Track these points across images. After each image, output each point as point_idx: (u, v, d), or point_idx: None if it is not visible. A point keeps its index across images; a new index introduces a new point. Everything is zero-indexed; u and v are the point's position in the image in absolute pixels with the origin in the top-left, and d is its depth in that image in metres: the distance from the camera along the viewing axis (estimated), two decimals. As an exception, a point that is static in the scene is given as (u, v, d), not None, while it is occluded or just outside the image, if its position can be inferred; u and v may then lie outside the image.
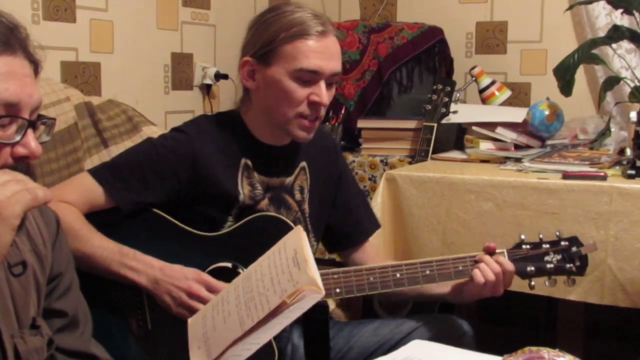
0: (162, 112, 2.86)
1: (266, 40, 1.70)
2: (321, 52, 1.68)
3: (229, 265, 1.68)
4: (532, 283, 1.73)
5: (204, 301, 1.59)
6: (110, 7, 2.58)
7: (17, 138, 1.10)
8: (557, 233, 1.75)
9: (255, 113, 1.78)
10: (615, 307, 2.10)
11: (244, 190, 1.76)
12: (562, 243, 1.73)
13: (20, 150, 1.11)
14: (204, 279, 1.62)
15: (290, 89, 1.69)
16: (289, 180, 1.83)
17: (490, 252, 1.72)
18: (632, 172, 2.18)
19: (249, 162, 1.77)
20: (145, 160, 1.72)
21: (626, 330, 2.93)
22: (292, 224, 1.70)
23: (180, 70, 2.94)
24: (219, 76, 3.03)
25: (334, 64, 1.71)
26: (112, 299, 1.67)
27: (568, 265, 1.72)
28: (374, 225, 2.01)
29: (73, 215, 1.64)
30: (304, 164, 1.87)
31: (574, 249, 1.72)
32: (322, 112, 1.74)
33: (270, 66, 1.70)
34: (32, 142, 1.12)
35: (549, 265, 1.72)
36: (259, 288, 1.20)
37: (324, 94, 1.70)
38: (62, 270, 1.33)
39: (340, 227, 1.93)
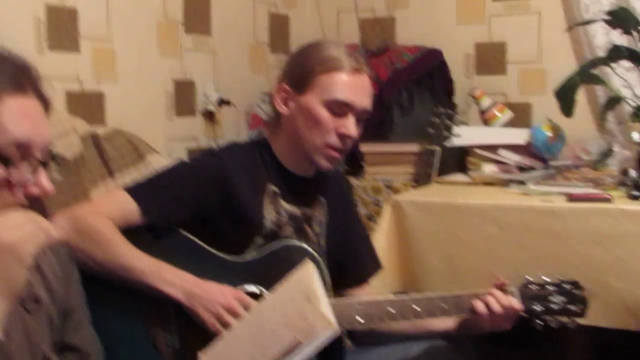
0: (166, 139, 2.86)
1: (303, 70, 1.77)
2: (354, 87, 1.75)
3: (256, 290, 1.71)
4: (541, 322, 1.76)
5: (239, 317, 1.61)
6: (113, 36, 2.59)
7: (30, 177, 1.11)
8: (559, 277, 1.78)
9: (283, 141, 1.83)
10: (624, 332, 2.09)
11: (269, 216, 1.79)
12: (565, 285, 1.77)
13: (33, 189, 1.12)
14: (241, 296, 1.64)
15: (322, 117, 1.74)
16: (309, 212, 1.87)
17: (501, 287, 1.75)
18: (637, 193, 2.20)
19: (276, 189, 1.81)
20: (179, 180, 1.76)
21: (636, 352, 2.92)
22: (316, 254, 1.74)
23: (183, 97, 2.95)
24: (221, 102, 3.04)
25: (365, 101, 1.77)
26: (139, 317, 1.68)
27: (572, 307, 1.77)
28: (377, 267, 2.05)
29: (111, 228, 1.66)
30: (323, 199, 1.91)
31: (576, 292, 1.77)
32: (349, 145, 1.79)
33: (305, 94, 1.76)
34: (44, 180, 1.13)
35: (554, 306, 1.76)
36: (270, 324, 1.20)
37: (353, 127, 1.76)
38: (74, 306, 1.34)
39: (346, 266, 1.94)
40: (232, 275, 1.71)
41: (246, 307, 1.62)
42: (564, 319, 1.78)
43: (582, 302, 1.77)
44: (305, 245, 1.76)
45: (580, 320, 2.08)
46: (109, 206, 1.71)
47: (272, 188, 1.81)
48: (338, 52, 1.77)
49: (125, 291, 1.64)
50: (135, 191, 1.74)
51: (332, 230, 1.91)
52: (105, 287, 1.62)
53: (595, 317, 2.07)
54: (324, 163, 1.79)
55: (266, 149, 1.85)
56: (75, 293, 1.36)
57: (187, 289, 1.63)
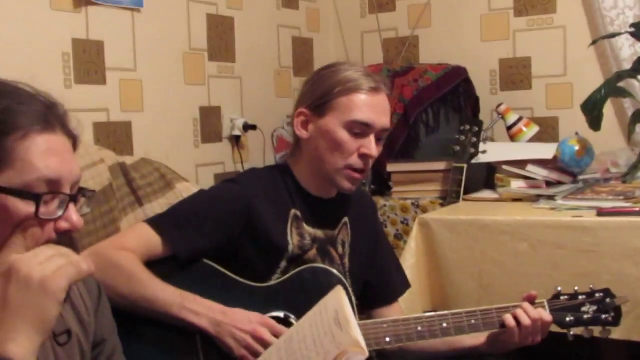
0: (193, 165, 2.89)
1: (322, 93, 1.78)
2: (374, 107, 1.76)
3: (281, 315, 1.71)
4: (572, 333, 1.74)
5: (268, 345, 1.60)
6: (139, 66, 2.64)
7: (60, 213, 1.13)
8: (591, 286, 1.76)
9: (304, 164, 1.83)
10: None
11: (293, 241, 1.79)
12: (597, 295, 1.75)
13: (63, 224, 1.14)
14: (268, 322, 1.64)
15: (343, 139, 1.75)
16: (333, 233, 1.87)
17: (531, 300, 1.73)
18: (667, 205, 2.17)
19: (298, 213, 1.82)
20: (201, 210, 1.77)
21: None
22: (341, 275, 1.74)
23: (210, 124, 2.98)
24: (247, 127, 3.07)
25: (385, 120, 1.78)
26: (166, 345, 1.68)
27: (604, 316, 1.74)
28: (405, 285, 2.05)
29: (134, 261, 1.67)
30: (346, 219, 1.91)
31: (608, 300, 1.75)
32: (370, 164, 1.80)
33: (325, 117, 1.77)
34: (73, 215, 1.15)
35: (586, 316, 1.74)
36: (301, 351, 1.20)
37: (373, 147, 1.76)
38: (105, 336, 1.35)
39: (374, 286, 1.95)
40: (258, 301, 1.71)
41: (274, 334, 1.62)
42: (598, 329, 1.75)
43: (615, 310, 1.74)
44: (329, 268, 1.76)
45: (614, 335, 2.06)
46: (132, 240, 1.72)
47: (295, 212, 1.81)
48: (355, 73, 1.78)
49: (153, 323, 1.65)
50: (157, 224, 1.75)
51: (356, 250, 1.91)
52: (133, 320, 1.63)
53: (629, 331, 2.05)
54: (346, 184, 1.79)
55: (287, 173, 1.85)
56: (107, 323, 1.37)
57: (212, 318, 1.63)
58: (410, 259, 2.31)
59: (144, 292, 1.63)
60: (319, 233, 1.85)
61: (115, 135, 2.55)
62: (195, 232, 1.73)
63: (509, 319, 1.70)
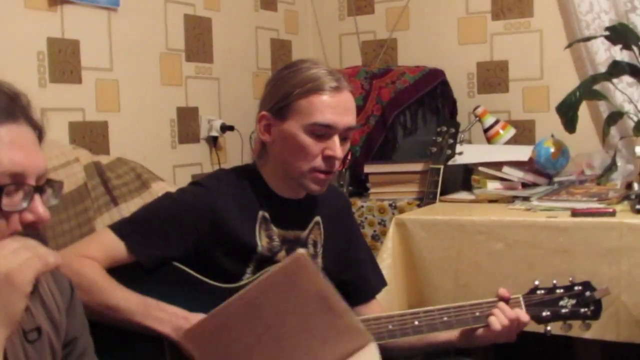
0: (170, 166, 2.88)
1: (282, 96, 1.73)
2: (335, 107, 1.70)
3: None
4: (549, 328, 1.73)
5: None
6: (115, 66, 2.62)
7: (24, 205, 1.11)
8: (570, 278, 1.75)
9: (271, 166, 1.80)
10: (633, 344, 2.08)
11: (262, 242, 1.77)
12: (576, 288, 1.73)
13: (29, 216, 1.12)
14: None
15: (305, 143, 1.71)
16: (303, 234, 1.84)
17: (505, 299, 1.73)
18: (641, 206, 2.19)
19: (267, 215, 1.79)
20: (165, 215, 1.74)
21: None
22: None
23: (187, 124, 2.97)
24: (224, 128, 3.06)
25: (348, 119, 1.73)
26: (133, 351, 1.66)
27: (583, 310, 1.72)
28: (381, 283, 2.03)
29: (95, 269, 1.64)
30: (318, 218, 1.88)
31: (587, 293, 1.73)
32: (336, 165, 1.76)
33: (286, 121, 1.72)
34: (39, 207, 1.13)
35: (564, 310, 1.72)
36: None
37: (337, 148, 1.72)
38: (77, 335, 1.34)
39: (350, 284, 1.93)
40: None
41: None
42: (577, 324, 1.73)
43: (595, 303, 1.72)
44: None
45: (588, 334, 2.08)
46: (94, 247, 1.69)
47: (263, 214, 1.78)
48: (316, 72, 1.72)
49: (120, 329, 1.63)
50: (120, 230, 1.71)
51: (329, 249, 1.89)
52: (99, 327, 1.61)
53: (602, 330, 2.07)
54: (314, 187, 1.76)
55: (255, 175, 1.82)
56: (78, 322, 1.35)
57: (175, 324, 1.60)
58: (387, 259, 2.31)
59: (106, 300, 1.61)
60: (288, 234, 1.81)
61: (91, 136, 2.53)
62: (159, 239, 1.71)
63: (494, 322, 1.69)
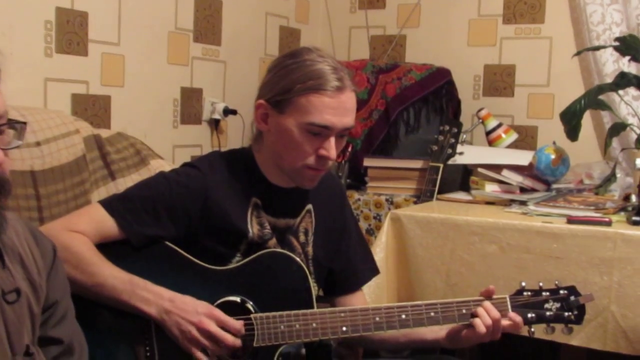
0: (170, 145, 2.88)
1: (282, 89, 1.70)
2: (335, 109, 1.67)
3: (238, 299, 1.69)
4: (532, 330, 1.73)
5: (213, 336, 1.60)
6: (123, 41, 2.62)
7: None
8: (556, 282, 1.75)
9: (266, 154, 1.79)
10: (617, 354, 2.08)
11: (253, 229, 1.76)
12: (561, 292, 1.74)
13: None
14: (215, 314, 1.62)
15: (300, 141, 1.69)
16: (294, 222, 1.84)
17: (489, 295, 1.73)
18: (637, 218, 2.19)
19: (259, 202, 1.79)
20: (157, 195, 1.73)
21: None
22: (299, 260, 1.72)
23: (190, 105, 2.97)
24: (227, 112, 3.05)
25: (346, 120, 1.70)
26: (120, 328, 1.66)
27: (567, 314, 1.73)
28: (372, 272, 2.02)
29: (84, 245, 1.65)
30: (310, 206, 1.87)
31: (572, 298, 1.73)
32: (329, 164, 1.75)
33: (283, 114, 1.70)
34: None
35: (548, 313, 1.72)
36: None
37: (332, 149, 1.70)
38: (57, 298, 1.33)
39: (338, 273, 1.93)
40: (215, 285, 1.69)
41: (222, 325, 1.61)
42: (560, 327, 1.74)
43: (579, 308, 1.72)
44: (289, 253, 1.74)
45: (574, 341, 2.08)
46: (84, 222, 1.69)
47: (256, 200, 1.78)
48: (320, 67, 1.68)
49: (109, 308, 1.63)
50: (112, 206, 1.71)
51: (320, 237, 1.88)
52: (87, 305, 1.61)
53: (588, 339, 2.07)
54: (305, 183, 1.76)
55: (249, 160, 1.81)
56: (59, 286, 1.35)
57: (161, 306, 1.61)
58: (380, 253, 2.31)
59: (94, 277, 1.61)
60: (280, 222, 1.81)
61: (93, 109, 2.53)
62: (150, 218, 1.70)
63: (478, 324, 1.69)
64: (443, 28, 3.51)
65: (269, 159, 1.79)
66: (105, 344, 1.65)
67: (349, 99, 1.71)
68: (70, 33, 2.41)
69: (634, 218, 2.19)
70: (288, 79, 1.69)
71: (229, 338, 1.62)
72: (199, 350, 1.61)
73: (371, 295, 2.26)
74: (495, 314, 1.69)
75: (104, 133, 2.23)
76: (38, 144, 1.95)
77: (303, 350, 1.83)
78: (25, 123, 1.19)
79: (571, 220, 2.19)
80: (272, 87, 1.73)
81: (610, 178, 2.66)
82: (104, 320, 1.65)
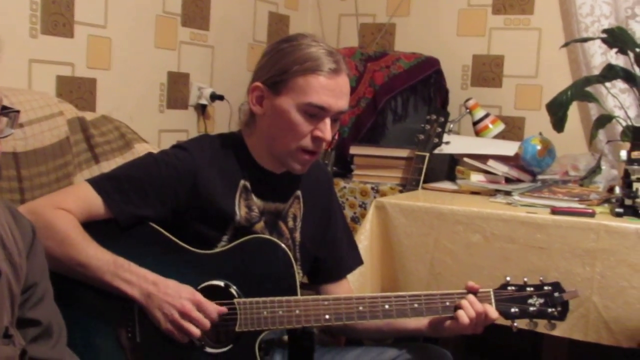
0: (156, 130, 2.86)
1: (279, 70, 1.70)
2: (331, 90, 1.69)
3: (221, 284, 1.68)
4: (515, 324, 1.74)
5: (194, 321, 1.60)
6: (109, 24, 2.60)
7: None
8: (541, 278, 1.75)
9: (258, 138, 1.79)
10: (599, 345, 2.09)
11: (240, 212, 1.76)
12: (546, 288, 1.74)
13: None
14: (197, 299, 1.62)
15: (296, 121, 1.70)
16: (283, 207, 1.84)
17: (474, 291, 1.73)
18: (621, 210, 2.19)
19: (248, 184, 1.78)
20: (145, 175, 1.72)
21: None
22: (285, 247, 1.72)
23: (176, 90, 2.95)
24: (214, 97, 3.04)
25: (342, 103, 1.72)
26: (102, 308, 1.66)
27: (550, 310, 1.73)
28: (356, 262, 2.03)
29: (70, 223, 1.64)
30: (298, 193, 1.88)
31: (556, 294, 1.73)
32: (323, 147, 1.76)
33: (280, 96, 1.71)
34: None
35: (531, 308, 1.73)
36: None
37: (328, 130, 1.71)
38: (36, 280, 1.32)
39: (323, 261, 1.93)
40: (200, 268, 1.69)
41: (203, 311, 1.61)
42: (543, 322, 1.74)
43: (562, 304, 1.73)
44: (275, 240, 1.74)
45: (557, 331, 2.09)
46: (71, 200, 1.68)
47: (245, 183, 1.78)
48: (316, 51, 1.70)
49: (92, 288, 1.63)
50: (99, 185, 1.70)
51: (308, 224, 1.89)
52: (71, 284, 1.61)
53: (570, 329, 2.08)
54: (297, 166, 1.76)
55: (239, 144, 1.81)
56: (38, 267, 1.33)
57: (144, 288, 1.61)
58: (364, 241, 2.31)
59: (78, 256, 1.60)
60: (269, 206, 1.81)
61: (78, 91, 2.51)
62: (137, 198, 1.70)
63: (462, 316, 1.69)
64: (432, 17, 3.50)
65: (260, 143, 1.79)
66: (87, 324, 1.64)
67: (344, 82, 1.73)
68: (56, 14, 2.39)
69: (618, 210, 2.19)
70: (285, 61, 1.70)
71: (207, 323, 1.62)
72: (180, 333, 1.61)
73: (355, 283, 2.25)
74: (479, 307, 1.69)
75: (89, 116, 2.21)
76: (21, 125, 1.93)
77: (285, 337, 1.83)
78: (18, 111, 1.19)
79: (555, 211, 2.19)
80: (269, 69, 1.73)
81: (596, 170, 2.67)
82: (86, 301, 1.65)
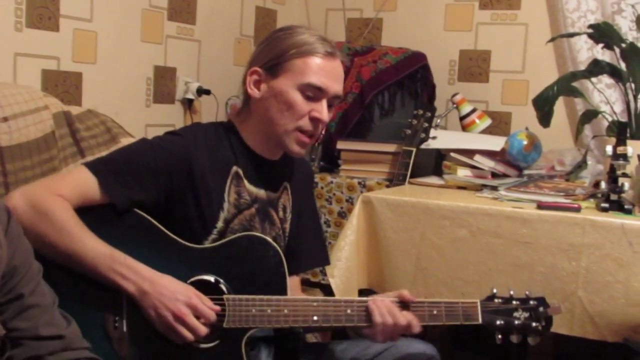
0: (143, 124, 2.85)
1: (277, 54, 1.76)
2: (328, 72, 1.75)
3: (212, 279, 1.68)
4: (500, 336, 1.74)
5: (189, 327, 1.59)
6: (95, 17, 2.58)
7: None
8: (527, 292, 1.77)
9: (252, 124, 1.81)
10: (584, 339, 2.10)
11: (229, 198, 1.77)
12: (531, 302, 1.75)
13: None
14: (194, 302, 1.61)
15: (295, 100, 1.74)
16: (274, 195, 1.86)
17: (406, 301, 1.73)
18: (606, 205, 2.20)
19: (240, 171, 1.80)
20: (141, 159, 1.73)
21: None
22: (277, 246, 1.72)
23: (163, 84, 2.94)
24: (201, 91, 3.03)
25: (337, 87, 1.78)
26: (91, 296, 1.65)
27: (534, 324, 1.74)
28: (322, 261, 2.05)
29: (66, 211, 1.62)
30: (287, 184, 1.90)
31: (541, 309, 1.75)
32: (320, 129, 1.79)
33: (278, 77, 1.75)
34: None
35: (516, 322, 1.74)
36: None
37: (325, 111, 1.76)
38: (16, 263, 1.31)
39: (292, 253, 1.91)
40: (191, 262, 1.69)
41: (199, 316, 1.60)
42: (527, 335, 1.75)
43: (546, 320, 1.75)
44: (267, 238, 1.74)
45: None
46: (68, 185, 1.67)
47: (237, 169, 1.79)
48: (312, 37, 1.76)
49: (81, 275, 1.62)
50: (96, 169, 1.70)
51: (294, 216, 1.91)
52: (60, 270, 1.60)
53: (556, 324, 2.07)
54: (295, 147, 1.78)
55: (232, 131, 1.83)
56: (19, 249, 1.32)
57: (140, 286, 1.60)
58: (351, 236, 2.31)
59: (74, 246, 1.59)
60: (261, 193, 1.83)
61: (64, 85, 2.50)
62: (133, 181, 1.70)
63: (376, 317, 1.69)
64: (420, 12, 3.50)
65: (255, 129, 1.81)
66: (74, 310, 1.63)
67: (339, 67, 1.79)
68: (42, 8, 2.38)
69: (603, 205, 2.20)
70: (282, 46, 1.76)
71: (202, 330, 1.61)
72: (173, 335, 1.61)
73: (341, 278, 2.26)
74: (402, 320, 1.69)
75: (74, 110, 2.20)
76: (5, 119, 1.92)
77: (272, 335, 1.83)
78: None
79: (541, 205, 2.20)
80: (266, 55, 1.79)
81: (581, 165, 2.68)
82: (75, 286, 1.63)
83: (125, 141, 2.22)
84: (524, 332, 1.74)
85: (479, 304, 1.74)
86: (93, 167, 1.71)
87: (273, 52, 1.77)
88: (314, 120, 1.76)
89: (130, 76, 2.79)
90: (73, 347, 1.39)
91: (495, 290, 1.76)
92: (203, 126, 1.86)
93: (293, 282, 1.94)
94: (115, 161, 1.73)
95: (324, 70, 1.74)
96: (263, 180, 1.83)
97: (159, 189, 1.72)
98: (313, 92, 1.74)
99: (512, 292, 1.77)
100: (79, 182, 1.68)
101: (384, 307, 1.69)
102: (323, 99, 1.75)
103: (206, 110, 3.12)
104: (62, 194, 1.65)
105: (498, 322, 1.73)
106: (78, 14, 2.52)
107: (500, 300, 1.75)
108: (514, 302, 1.75)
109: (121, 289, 1.61)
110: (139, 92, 2.84)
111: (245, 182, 1.80)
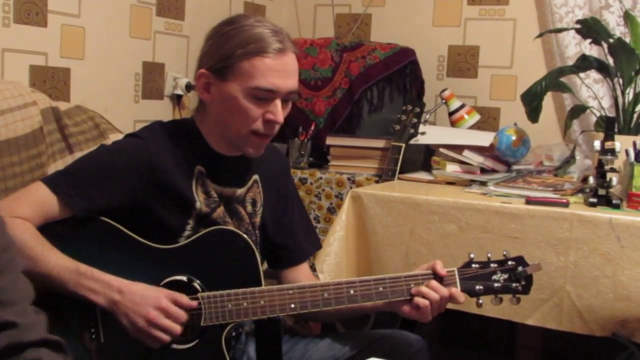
0: (131, 120, 2.84)
1: (223, 55, 1.68)
2: (278, 71, 1.66)
3: (184, 278, 1.67)
4: (480, 301, 1.75)
5: (162, 328, 1.59)
6: (83, 13, 2.57)
7: None
8: (504, 253, 1.77)
9: (209, 124, 1.77)
10: (572, 334, 2.11)
11: (199, 198, 1.75)
12: (509, 263, 1.75)
13: None
14: (164, 305, 1.60)
15: (246, 106, 1.68)
16: (240, 191, 1.83)
17: (435, 269, 1.73)
18: (594, 200, 2.21)
19: (203, 170, 1.77)
20: (100, 166, 1.70)
21: (583, 357, 2.95)
22: (247, 237, 1.71)
23: (151, 80, 2.93)
24: (190, 87, 3.02)
25: (291, 83, 1.70)
26: (63, 310, 1.64)
27: (514, 285, 1.74)
28: (316, 246, 2.03)
29: (27, 232, 1.60)
30: (256, 177, 1.87)
31: (519, 268, 1.75)
32: (276, 129, 1.74)
33: (227, 81, 1.68)
34: None
35: (496, 284, 1.74)
36: None
37: (279, 112, 1.70)
38: None
39: (281, 247, 1.93)
40: (161, 264, 1.67)
41: (170, 317, 1.60)
42: (507, 297, 1.75)
43: (526, 279, 1.74)
44: (236, 230, 1.73)
45: (530, 321, 2.11)
46: (26, 204, 1.64)
47: (200, 169, 1.76)
48: (260, 31, 1.66)
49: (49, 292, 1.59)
50: (54, 183, 1.68)
51: (267, 209, 1.88)
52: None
53: (544, 318, 2.10)
54: (250, 150, 1.75)
55: (192, 129, 1.79)
56: None
57: (109, 297, 1.59)
58: (340, 231, 2.31)
59: (38, 267, 1.57)
60: (226, 191, 1.80)
61: (52, 81, 2.48)
62: (94, 191, 1.67)
63: (418, 299, 1.70)
64: (408, 8, 3.50)
65: (213, 128, 1.77)
66: (50, 324, 1.62)
67: (291, 60, 1.70)
68: (29, 3, 2.37)
69: (591, 200, 2.21)
70: (228, 45, 1.67)
71: (177, 329, 1.61)
72: (149, 340, 1.60)
73: (330, 274, 2.26)
74: (444, 292, 1.70)
75: (63, 106, 2.19)
76: (-7, 115, 1.92)
77: (252, 326, 1.83)
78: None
79: (529, 200, 2.21)
80: (213, 55, 1.71)
81: (570, 160, 2.69)
82: (47, 304, 1.61)
83: (113, 137, 2.22)
84: (505, 294, 1.74)
85: (456, 271, 1.74)
86: (52, 183, 1.68)
87: (219, 53, 1.68)
88: (269, 122, 1.70)
89: (118, 72, 2.78)
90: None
91: (472, 255, 1.76)
92: (163, 125, 1.82)
93: (303, 270, 1.95)
94: (74, 173, 1.71)
95: (274, 70, 1.65)
96: (227, 177, 1.80)
97: (123, 194, 1.69)
98: (264, 95, 1.67)
99: (489, 255, 1.76)
100: (38, 200, 1.66)
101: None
102: (276, 99, 1.68)
103: (195, 106, 3.11)
104: (21, 214, 1.62)
105: (477, 288, 1.73)
106: (66, 9, 2.51)
107: (477, 265, 1.75)
108: (492, 265, 1.75)
109: (92, 302, 1.60)
110: (127, 87, 2.83)
111: (209, 181, 1.77)
